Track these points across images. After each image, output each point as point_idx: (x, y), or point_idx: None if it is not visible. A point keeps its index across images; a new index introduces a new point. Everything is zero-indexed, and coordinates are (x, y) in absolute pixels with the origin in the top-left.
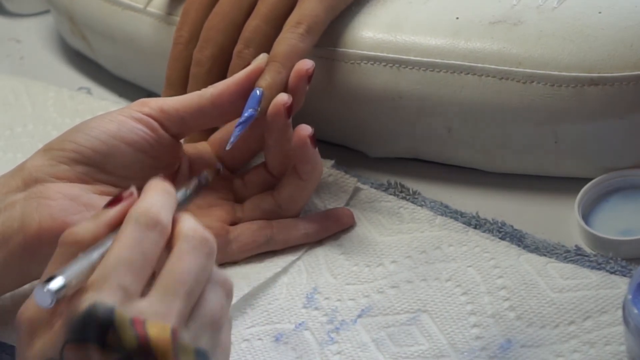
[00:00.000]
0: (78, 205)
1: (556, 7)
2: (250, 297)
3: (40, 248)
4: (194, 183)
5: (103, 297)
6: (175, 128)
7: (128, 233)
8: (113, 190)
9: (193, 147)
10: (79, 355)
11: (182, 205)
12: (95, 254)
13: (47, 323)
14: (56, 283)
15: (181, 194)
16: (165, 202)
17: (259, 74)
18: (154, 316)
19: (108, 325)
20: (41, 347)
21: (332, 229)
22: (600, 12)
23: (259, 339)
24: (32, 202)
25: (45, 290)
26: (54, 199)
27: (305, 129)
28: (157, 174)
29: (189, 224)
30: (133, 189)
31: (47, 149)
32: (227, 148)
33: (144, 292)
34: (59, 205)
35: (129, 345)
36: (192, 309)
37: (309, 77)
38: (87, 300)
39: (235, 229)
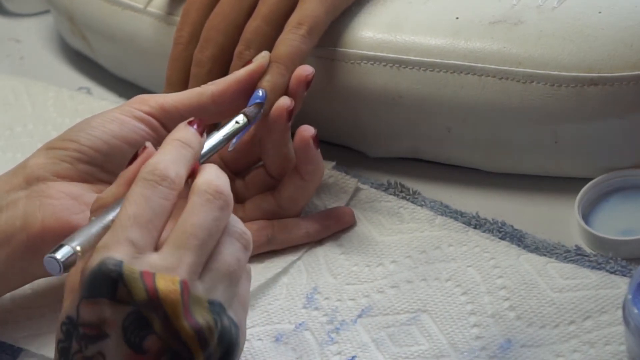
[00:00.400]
0: (80, 204)
1: (556, 7)
2: (251, 298)
3: (43, 247)
4: (231, 123)
5: (112, 253)
6: (175, 125)
7: (136, 190)
8: None
9: None
10: (93, 310)
11: (219, 147)
12: (108, 217)
13: (75, 284)
14: (62, 251)
15: (217, 137)
16: (177, 156)
17: (260, 72)
18: (164, 269)
19: (117, 280)
20: (65, 307)
21: (333, 228)
22: (600, 12)
23: (259, 339)
24: (34, 201)
25: (52, 258)
26: (57, 198)
27: (308, 130)
28: None
29: (205, 176)
30: (148, 144)
31: (49, 147)
32: (230, 150)
33: (160, 247)
34: (62, 205)
35: (138, 298)
36: (206, 262)
37: (308, 83)
38: (98, 258)
39: None
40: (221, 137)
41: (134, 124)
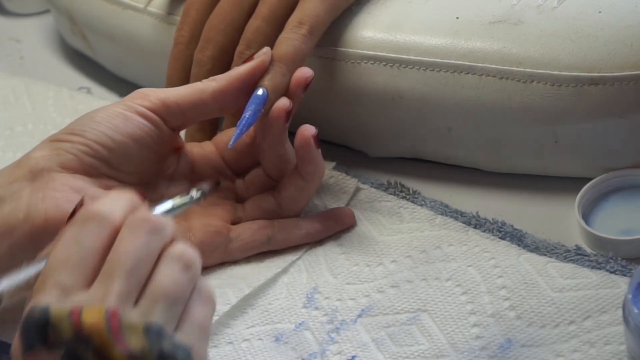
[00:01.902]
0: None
1: (556, 6)
2: (251, 297)
3: (46, 239)
4: (189, 196)
5: (39, 298)
6: (176, 121)
7: (66, 232)
8: (116, 185)
9: (198, 147)
10: None
11: (171, 213)
12: (41, 264)
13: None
14: None
15: (171, 202)
16: (113, 198)
17: (262, 69)
18: (92, 302)
19: (45, 324)
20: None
21: (333, 228)
22: (600, 12)
23: (259, 339)
24: (38, 193)
25: None
26: (60, 190)
27: (309, 130)
28: (154, 167)
29: (136, 214)
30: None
31: (53, 140)
32: (229, 146)
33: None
34: (65, 197)
35: (66, 337)
36: (142, 287)
37: (307, 85)
38: (28, 307)
39: (236, 228)
40: (169, 206)
41: (138, 119)
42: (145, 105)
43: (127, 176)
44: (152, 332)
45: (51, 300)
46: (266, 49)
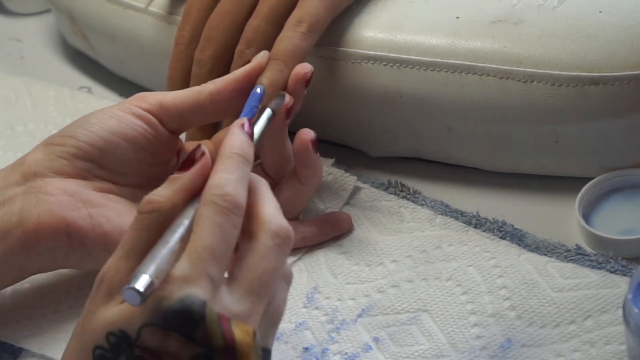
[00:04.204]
0: (76, 201)
1: (557, 6)
2: None
3: (39, 243)
4: (265, 116)
5: (194, 289)
6: (174, 124)
7: (209, 217)
8: (111, 187)
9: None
10: (159, 340)
11: (256, 142)
12: (173, 239)
13: (114, 288)
14: (143, 282)
15: (257, 129)
16: (241, 175)
17: (259, 71)
18: (239, 315)
19: (199, 321)
20: (116, 316)
21: (330, 233)
22: (600, 12)
23: None
24: (31, 197)
25: (133, 290)
26: (53, 194)
27: (308, 134)
28: (154, 170)
29: (278, 217)
30: (204, 148)
31: (48, 143)
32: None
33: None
34: (58, 201)
35: (215, 344)
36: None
37: (307, 81)
38: (178, 291)
39: None
40: (258, 136)
41: (132, 120)
42: (141, 107)
43: (122, 177)
44: (266, 356)
45: (205, 295)
46: (263, 52)
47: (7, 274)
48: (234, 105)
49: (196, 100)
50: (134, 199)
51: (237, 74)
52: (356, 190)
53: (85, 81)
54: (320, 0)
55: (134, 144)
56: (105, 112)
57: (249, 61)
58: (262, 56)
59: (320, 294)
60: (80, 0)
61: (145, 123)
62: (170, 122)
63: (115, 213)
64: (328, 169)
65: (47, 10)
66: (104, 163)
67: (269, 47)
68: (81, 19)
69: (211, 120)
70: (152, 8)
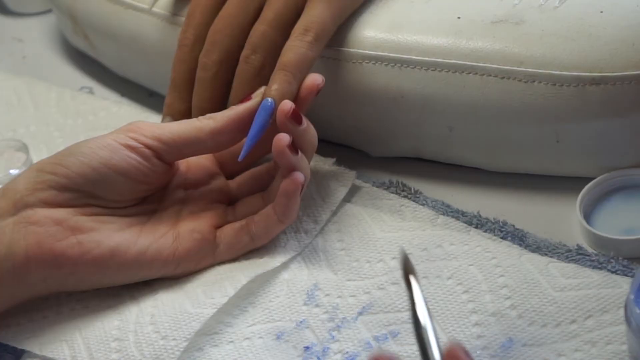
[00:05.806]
0: (65, 230)
1: (558, 6)
2: (251, 295)
3: (29, 274)
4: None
5: None
6: (171, 157)
7: None
8: (102, 211)
9: None
10: None
11: None
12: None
13: None
14: None
15: None
16: None
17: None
18: None
19: None
20: None
21: (292, 199)
22: (602, 12)
23: (260, 337)
24: (20, 229)
25: None
26: (42, 224)
27: (285, 139)
28: (149, 193)
29: None
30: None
31: (39, 169)
32: (240, 159)
33: None
34: (46, 232)
35: None
36: None
37: (318, 91)
38: None
39: (222, 231)
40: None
41: (126, 153)
42: (137, 140)
43: (114, 203)
44: None
45: None
46: (262, 88)
47: None
48: (233, 140)
49: (196, 137)
50: (127, 214)
51: (239, 111)
52: (357, 188)
53: (87, 81)
54: (327, 7)
55: (127, 176)
56: (99, 142)
57: (255, 69)
58: (262, 93)
59: (321, 290)
60: (82, 0)
61: (139, 156)
62: (167, 156)
63: (105, 235)
64: (328, 168)
65: (49, 11)
66: (94, 193)
67: (274, 52)
68: (82, 19)
69: (208, 152)
70: (155, 9)
